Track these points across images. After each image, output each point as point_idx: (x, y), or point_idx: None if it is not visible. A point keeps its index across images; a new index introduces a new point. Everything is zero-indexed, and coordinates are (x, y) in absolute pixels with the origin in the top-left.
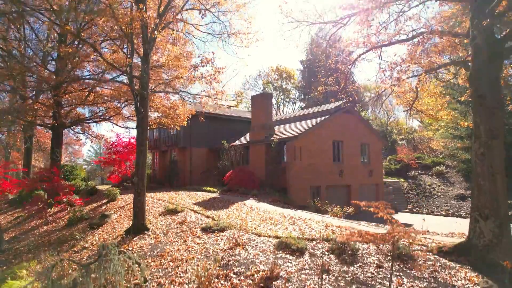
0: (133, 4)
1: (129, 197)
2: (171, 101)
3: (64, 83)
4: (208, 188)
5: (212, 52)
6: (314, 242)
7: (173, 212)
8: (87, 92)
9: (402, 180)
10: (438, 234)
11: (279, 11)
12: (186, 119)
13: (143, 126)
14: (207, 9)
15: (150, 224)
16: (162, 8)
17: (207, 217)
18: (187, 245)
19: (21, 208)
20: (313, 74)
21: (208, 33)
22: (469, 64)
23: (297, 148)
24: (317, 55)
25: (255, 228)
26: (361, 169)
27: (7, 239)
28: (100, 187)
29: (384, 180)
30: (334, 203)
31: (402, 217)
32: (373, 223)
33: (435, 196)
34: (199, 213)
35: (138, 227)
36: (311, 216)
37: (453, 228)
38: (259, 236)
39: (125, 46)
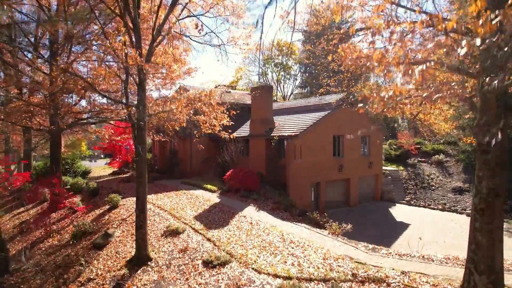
0: (128, 47)
1: (131, 204)
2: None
3: (63, 130)
4: (209, 187)
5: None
6: (313, 284)
7: (174, 233)
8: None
9: (401, 168)
10: (433, 261)
11: None
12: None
13: (142, 157)
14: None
15: (153, 251)
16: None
17: (208, 240)
18: (189, 285)
19: (24, 207)
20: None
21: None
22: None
23: (297, 146)
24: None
25: (255, 261)
26: (361, 161)
27: (14, 252)
28: (100, 169)
29: (383, 168)
30: (333, 198)
31: (400, 210)
32: (370, 245)
33: (433, 188)
34: (200, 233)
35: (141, 258)
36: (309, 237)
37: (448, 230)
38: (259, 273)
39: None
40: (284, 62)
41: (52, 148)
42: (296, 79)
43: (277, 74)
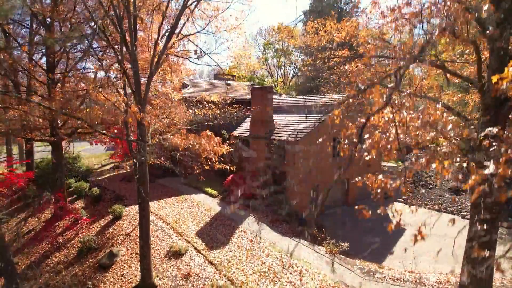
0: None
1: (134, 214)
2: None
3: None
4: (209, 191)
5: None
6: None
7: (177, 254)
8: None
9: (400, 164)
10: (425, 286)
11: None
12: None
13: (144, 198)
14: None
15: (157, 276)
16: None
17: (210, 262)
18: None
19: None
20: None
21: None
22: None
23: (297, 152)
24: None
25: None
26: (361, 159)
27: (23, 266)
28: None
29: (383, 164)
30: (332, 197)
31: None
32: (365, 266)
33: (431, 186)
34: (202, 254)
35: (146, 287)
36: (307, 258)
37: (441, 237)
38: None
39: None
40: (285, 48)
41: (54, 155)
42: (297, 65)
43: (277, 59)
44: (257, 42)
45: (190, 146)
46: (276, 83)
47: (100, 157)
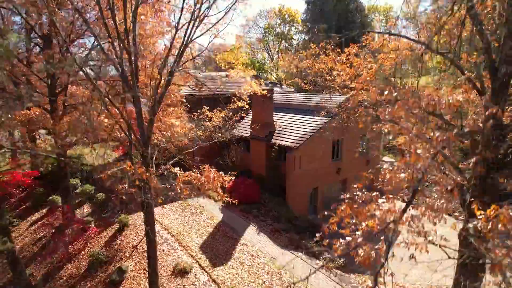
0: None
1: (139, 223)
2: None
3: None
4: (212, 195)
5: None
6: None
7: (183, 272)
8: None
9: (399, 159)
10: None
11: None
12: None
13: (154, 248)
14: None
15: None
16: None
17: (214, 281)
18: None
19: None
20: (318, 14)
21: None
22: None
23: (296, 157)
24: None
25: None
26: (359, 160)
27: (38, 278)
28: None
29: (382, 160)
30: (330, 195)
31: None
32: (359, 284)
33: (426, 184)
34: (206, 271)
35: None
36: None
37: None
38: None
39: None
40: (286, 31)
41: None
42: (298, 51)
43: (278, 44)
44: (257, 24)
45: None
46: (276, 66)
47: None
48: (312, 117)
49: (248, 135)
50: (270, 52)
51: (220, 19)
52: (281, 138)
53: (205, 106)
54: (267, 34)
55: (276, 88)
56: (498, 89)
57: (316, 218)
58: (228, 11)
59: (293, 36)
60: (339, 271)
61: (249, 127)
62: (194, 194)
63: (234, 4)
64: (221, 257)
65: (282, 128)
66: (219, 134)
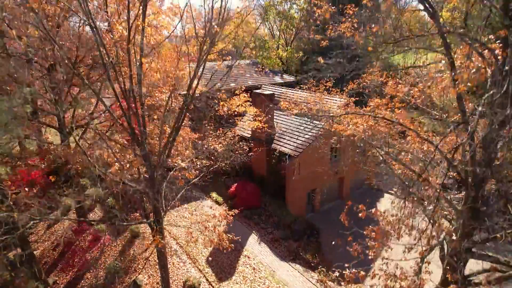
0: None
1: (149, 233)
2: None
3: None
4: (214, 196)
5: None
6: None
7: None
8: None
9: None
10: None
11: None
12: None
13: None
14: None
15: None
16: None
17: None
18: None
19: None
20: None
21: None
22: None
23: (296, 165)
24: None
25: None
26: (357, 159)
27: (62, 287)
28: None
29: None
30: (327, 193)
31: (384, 206)
32: None
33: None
34: (213, 286)
35: None
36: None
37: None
38: None
39: None
40: (287, 9)
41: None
42: (299, 31)
43: (279, 21)
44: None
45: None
46: (278, 45)
47: None
48: (312, 121)
49: (249, 135)
50: (271, 29)
51: None
52: (281, 143)
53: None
54: (268, 12)
55: (277, 78)
56: None
57: (314, 217)
58: None
59: (295, 14)
60: (333, 283)
61: (249, 125)
62: None
63: None
64: (226, 271)
65: (283, 130)
66: (225, 162)
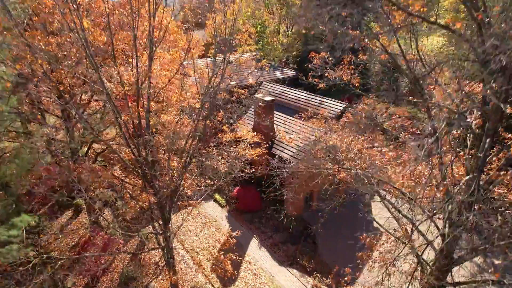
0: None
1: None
2: None
3: None
4: (218, 198)
5: None
6: None
7: None
8: None
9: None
10: None
11: None
12: None
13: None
14: None
15: None
16: None
17: None
18: None
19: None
20: None
21: None
22: None
23: (295, 171)
24: None
25: None
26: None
27: None
28: None
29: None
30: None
31: (378, 207)
32: None
33: None
34: None
35: None
36: None
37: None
38: None
39: None
40: None
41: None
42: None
43: (278, 10)
44: None
45: None
46: (278, 30)
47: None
48: (312, 124)
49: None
50: (272, 12)
51: None
52: (281, 148)
53: None
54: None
55: (278, 73)
56: None
57: (311, 215)
58: None
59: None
60: None
61: (250, 123)
62: None
63: None
64: (229, 277)
65: (282, 135)
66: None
